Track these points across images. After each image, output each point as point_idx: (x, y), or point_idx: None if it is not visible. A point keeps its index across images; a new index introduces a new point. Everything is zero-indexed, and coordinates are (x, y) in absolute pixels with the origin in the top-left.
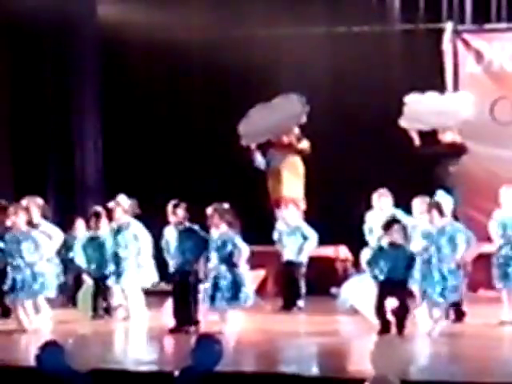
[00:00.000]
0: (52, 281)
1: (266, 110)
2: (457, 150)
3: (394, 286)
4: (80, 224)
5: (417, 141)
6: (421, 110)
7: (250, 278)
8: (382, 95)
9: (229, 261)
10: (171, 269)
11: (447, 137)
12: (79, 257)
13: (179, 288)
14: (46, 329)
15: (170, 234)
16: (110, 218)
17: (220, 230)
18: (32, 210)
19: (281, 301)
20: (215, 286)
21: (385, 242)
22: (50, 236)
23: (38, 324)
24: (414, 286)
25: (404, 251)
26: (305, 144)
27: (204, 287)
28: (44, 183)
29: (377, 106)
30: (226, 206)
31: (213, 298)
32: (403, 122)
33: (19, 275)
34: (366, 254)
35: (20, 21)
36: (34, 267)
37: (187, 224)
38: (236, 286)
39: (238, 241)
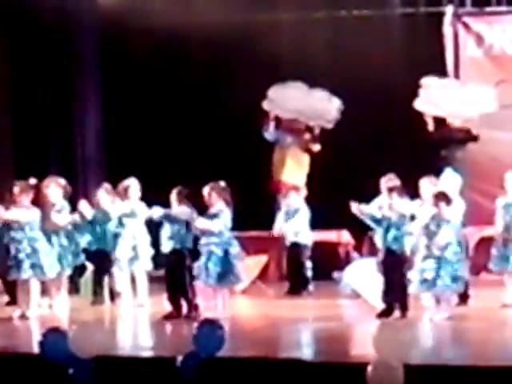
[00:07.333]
0: (52, 263)
1: (305, 93)
2: (469, 137)
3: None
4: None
5: (431, 126)
6: (441, 96)
7: (244, 260)
8: (383, 79)
9: (221, 237)
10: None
11: (456, 122)
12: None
13: (172, 270)
14: (49, 315)
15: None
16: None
17: (217, 208)
18: (54, 190)
19: (284, 286)
20: (207, 264)
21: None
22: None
23: (58, 308)
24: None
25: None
26: (316, 147)
27: (197, 264)
28: (46, 166)
29: (377, 91)
30: (223, 184)
31: (205, 276)
32: (420, 105)
33: (21, 254)
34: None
35: (20, 7)
36: (34, 246)
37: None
38: (226, 264)
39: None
